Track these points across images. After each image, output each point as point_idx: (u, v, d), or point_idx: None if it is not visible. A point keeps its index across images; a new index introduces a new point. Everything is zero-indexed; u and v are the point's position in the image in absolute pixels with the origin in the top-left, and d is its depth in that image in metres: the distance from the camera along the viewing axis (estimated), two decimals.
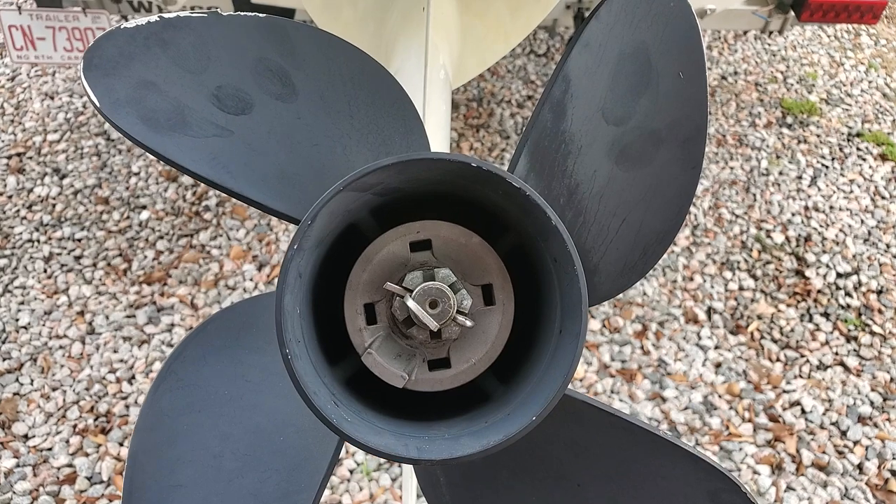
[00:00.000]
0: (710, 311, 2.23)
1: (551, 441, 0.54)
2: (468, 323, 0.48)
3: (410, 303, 0.47)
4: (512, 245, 0.52)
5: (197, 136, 0.52)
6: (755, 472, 1.83)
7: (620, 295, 2.33)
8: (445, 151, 0.64)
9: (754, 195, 2.59)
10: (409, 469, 1.13)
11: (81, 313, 2.22)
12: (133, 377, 2.05)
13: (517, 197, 0.45)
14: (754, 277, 2.33)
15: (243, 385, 0.56)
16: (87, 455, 1.89)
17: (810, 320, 2.21)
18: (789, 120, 2.92)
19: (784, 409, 1.99)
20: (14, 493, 1.83)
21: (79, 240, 2.42)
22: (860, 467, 1.86)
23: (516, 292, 0.52)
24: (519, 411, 0.45)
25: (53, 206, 2.52)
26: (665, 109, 0.57)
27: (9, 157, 2.69)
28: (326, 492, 1.79)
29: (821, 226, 2.50)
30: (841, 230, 2.48)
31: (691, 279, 2.32)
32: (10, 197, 2.57)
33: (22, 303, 2.26)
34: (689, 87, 0.58)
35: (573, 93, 0.55)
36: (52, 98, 2.89)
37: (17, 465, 1.88)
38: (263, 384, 0.57)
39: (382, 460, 1.88)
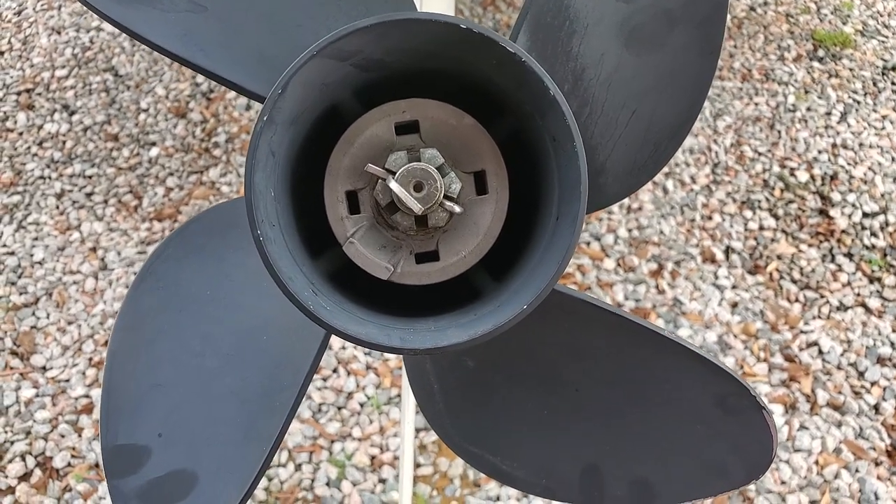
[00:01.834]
0: (728, 251, 2.17)
1: (548, 343, 0.51)
2: (457, 209, 0.44)
3: (393, 184, 0.43)
4: (508, 129, 0.48)
5: (167, 9, 0.48)
6: None
7: (636, 233, 2.28)
8: None
9: (779, 132, 2.50)
10: (407, 387, 1.11)
11: (94, 249, 2.22)
12: None
13: (512, 66, 0.41)
14: (776, 217, 2.26)
15: (226, 284, 0.54)
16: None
17: (832, 261, 2.15)
18: (821, 53, 2.79)
19: (801, 350, 1.95)
20: (34, 421, 1.87)
21: (89, 176, 2.40)
22: (876, 408, 1.83)
23: (512, 181, 0.48)
24: (509, 302, 0.41)
25: (64, 142, 2.50)
26: None
27: (18, 94, 2.67)
28: (337, 424, 1.80)
29: (849, 164, 2.40)
30: (870, 168, 2.39)
31: (710, 218, 2.26)
32: (20, 133, 2.55)
33: (36, 238, 2.27)
34: None
35: None
36: (58, 33, 2.84)
37: (37, 395, 1.92)
38: (247, 284, 0.54)
39: (393, 395, 1.88)
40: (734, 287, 2.09)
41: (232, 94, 2.64)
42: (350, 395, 1.87)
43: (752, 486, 1.69)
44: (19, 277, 2.17)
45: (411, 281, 0.48)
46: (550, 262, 0.41)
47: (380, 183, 0.45)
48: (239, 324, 0.52)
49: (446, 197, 0.44)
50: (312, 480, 1.71)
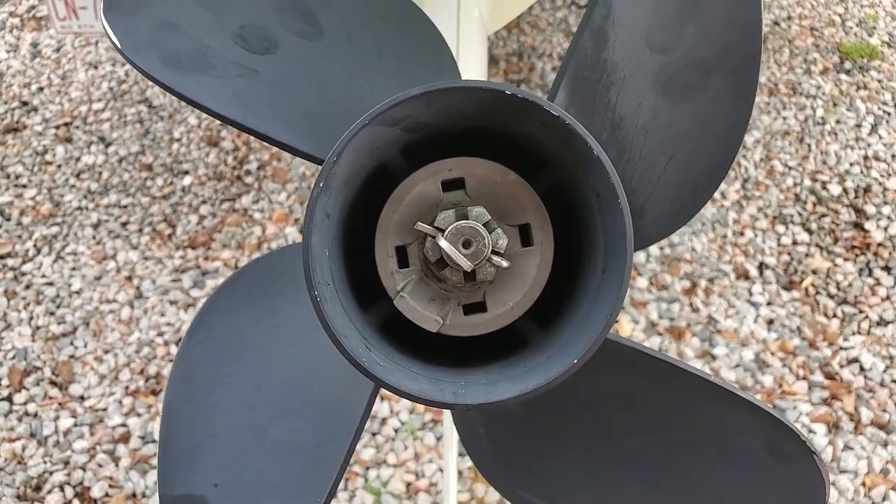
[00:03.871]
0: (761, 267, 2.15)
1: (597, 391, 0.51)
2: (504, 263, 0.46)
3: (443, 243, 0.44)
4: (550, 183, 0.49)
5: (220, 76, 0.50)
6: (811, 431, 1.78)
7: (668, 251, 2.27)
8: None
9: (809, 146, 2.47)
10: (449, 423, 1.12)
11: (129, 278, 2.27)
12: (180, 340, 2.09)
13: (556, 127, 0.42)
14: (809, 231, 2.23)
15: (276, 335, 0.55)
16: (139, 415, 1.95)
17: (870, 274, 2.11)
18: (847, 65, 2.76)
19: (841, 367, 1.91)
20: (73, 451, 1.90)
21: (125, 206, 2.46)
22: None
23: (555, 233, 0.49)
24: (559, 354, 0.42)
25: (100, 173, 2.57)
26: (714, 36, 0.53)
27: (57, 127, 2.74)
28: (371, 451, 1.81)
29: (882, 175, 2.37)
30: None
31: (742, 234, 2.24)
32: (59, 166, 2.62)
33: (74, 269, 2.32)
34: (742, 10, 0.53)
35: (615, 18, 0.51)
36: (95, 67, 2.93)
37: (75, 425, 1.95)
38: (296, 333, 0.55)
39: (427, 419, 1.89)
40: (769, 303, 2.06)
41: None
42: (384, 421, 1.87)
43: None
44: (58, 307, 2.22)
45: (459, 332, 0.49)
46: (598, 315, 0.42)
47: (429, 240, 0.46)
48: (290, 374, 0.54)
49: (494, 252, 0.46)
50: None
